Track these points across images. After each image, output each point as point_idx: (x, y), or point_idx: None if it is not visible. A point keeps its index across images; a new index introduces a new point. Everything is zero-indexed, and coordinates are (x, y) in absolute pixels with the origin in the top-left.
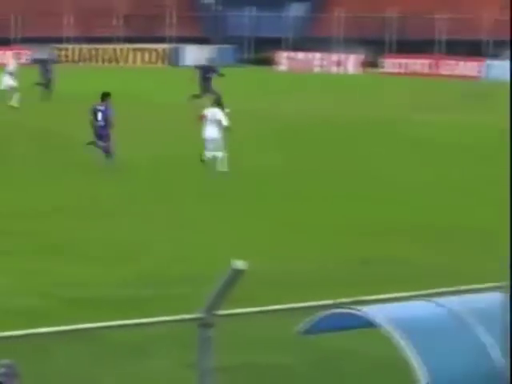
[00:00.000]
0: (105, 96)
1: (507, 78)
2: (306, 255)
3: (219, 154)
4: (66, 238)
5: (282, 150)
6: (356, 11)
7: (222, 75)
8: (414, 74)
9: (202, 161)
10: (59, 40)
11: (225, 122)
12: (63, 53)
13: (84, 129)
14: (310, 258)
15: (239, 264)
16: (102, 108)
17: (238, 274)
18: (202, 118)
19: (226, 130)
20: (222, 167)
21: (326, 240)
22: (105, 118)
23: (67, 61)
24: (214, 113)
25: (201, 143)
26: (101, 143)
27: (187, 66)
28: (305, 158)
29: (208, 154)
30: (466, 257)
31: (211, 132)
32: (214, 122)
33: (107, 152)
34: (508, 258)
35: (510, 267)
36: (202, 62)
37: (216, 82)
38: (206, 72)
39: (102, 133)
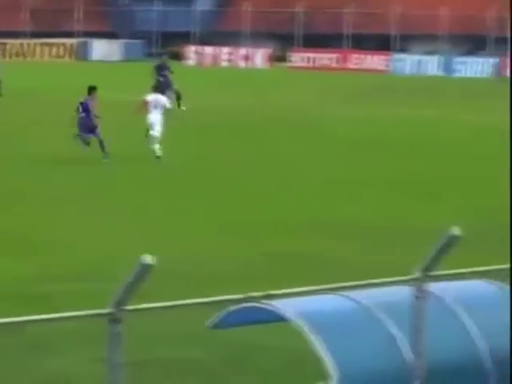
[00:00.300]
0: (91, 90)
1: (414, 72)
2: (216, 251)
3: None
4: None
5: (191, 147)
6: (263, 5)
7: (172, 72)
8: (322, 68)
9: (158, 157)
10: None
11: (168, 105)
12: None
13: None
14: (221, 254)
15: (147, 259)
16: (84, 101)
17: (146, 268)
18: (145, 105)
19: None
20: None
21: (237, 236)
22: (86, 110)
23: None
24: (157, 98)
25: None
26: (89, 135)
27: (95, 60)
28: (213, 155)
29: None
30: (377, 251)
31: (156, 117)
32: (158, 107)
33: (101, 143)
34: (508, 257)
35: (510, 263)
36: (111, 57)
37: (124, 78)
38: (160, 70)
39: (86, 124)
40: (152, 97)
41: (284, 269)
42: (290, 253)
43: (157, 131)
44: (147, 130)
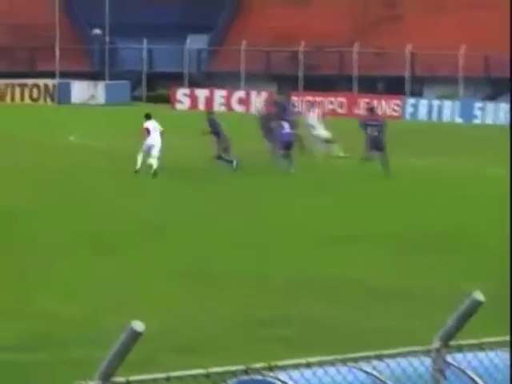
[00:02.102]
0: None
1: (429, 119)
2: (206, 314)
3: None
4: None
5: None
6: (262, 44)
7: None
8: (327, 113)
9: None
10: None
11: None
12: None
13: None
14: (211, 318)
15: (138, 325)
16: None
17: (135, 335)
18: (144, 131)
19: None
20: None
21: (221, 294)
22: None
23: None
24: (153, 124)
25: None
26: None
27: (75, 103)
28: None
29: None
30: (384, 316)
31: (154, 140)
32: (157, 131)
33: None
34: (508, 263)
35: (510, 270)
36: (92, 99)
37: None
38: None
39: None
40: (149, 123)
41: (278, 334)
42: (283, 316)
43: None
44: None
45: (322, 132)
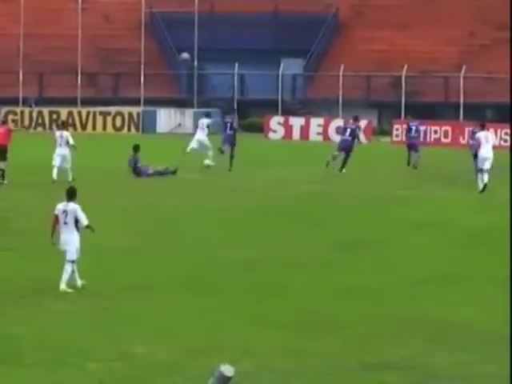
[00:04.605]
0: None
1: None
2: (301, 361)
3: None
4: None
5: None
6: (362, 68)
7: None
8: (431, 143)
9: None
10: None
11: None
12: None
13: None
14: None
15: (228, 369)
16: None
17: (225, 380)
18: None
19: None
20: None
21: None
22: None
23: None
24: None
25: None
26: None
27: (162, 132)
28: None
29: None
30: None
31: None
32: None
33: None
34: (508, 258)
35: (510, 267)
36: (180, 128)
37: None
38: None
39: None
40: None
41: (381, 379)
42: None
43: None
44: None
45: None
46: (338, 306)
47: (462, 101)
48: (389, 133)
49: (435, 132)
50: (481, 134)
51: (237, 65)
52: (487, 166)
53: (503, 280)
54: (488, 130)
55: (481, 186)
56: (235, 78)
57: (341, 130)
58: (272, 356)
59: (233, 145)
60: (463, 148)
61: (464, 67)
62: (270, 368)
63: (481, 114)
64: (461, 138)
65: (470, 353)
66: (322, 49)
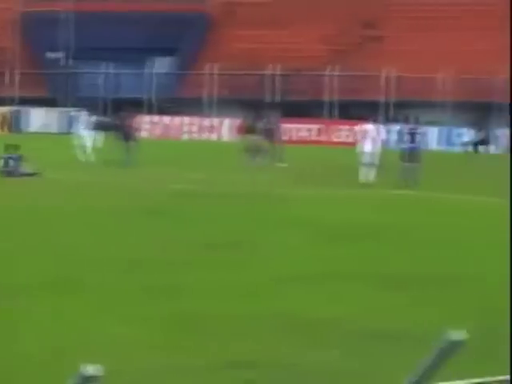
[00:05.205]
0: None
1: None
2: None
3: None
4: None
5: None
6: (231, 67)
7: None
8: (301, 141)
9: None
10: None
11: None
12: None
13: None
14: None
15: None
16: None
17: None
18: None
19: None
20: None
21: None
22: None
23: None
24: None
25: None
26: None
27: (32, 131)
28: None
29: None
30: (358, 358)
31: None
32: None
33: None
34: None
35: (509, 268)
36: (48, 127)
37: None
38: None
39: None
40: None
41: (244, 377)
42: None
43: None
44: None
45: None
46: (209, 305)
47: (332, 98)
48: (255, 131)
49: (308, 130)
50: (366, 128)
51: (107, 64)
52: (373, 160)
53: (370, 277)
54: (377, 124)
55: (363, 180)
56: (106, 77)
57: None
58: (140, 355)
59: (128, 141)
60: (335, 146)
61: (332, 65)
62: (136, 367)
63: (351, 112)
64: (333, 136)
65: (334, 350)
66: (192, 47)
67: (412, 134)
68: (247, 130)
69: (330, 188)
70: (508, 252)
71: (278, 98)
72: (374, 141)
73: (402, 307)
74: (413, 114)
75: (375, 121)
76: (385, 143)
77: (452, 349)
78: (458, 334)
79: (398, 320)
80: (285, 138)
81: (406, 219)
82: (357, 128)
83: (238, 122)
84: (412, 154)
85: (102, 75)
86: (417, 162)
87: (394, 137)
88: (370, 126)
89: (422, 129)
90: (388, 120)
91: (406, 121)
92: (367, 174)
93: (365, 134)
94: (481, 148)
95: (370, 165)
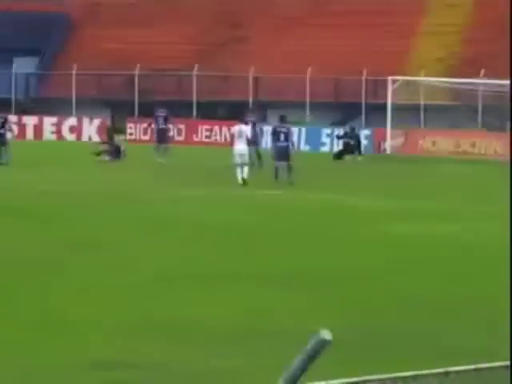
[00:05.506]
0: None
1: None
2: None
3: None
4: None
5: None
6: (95, 68)
7: None
8: None
9: None
10: None
11: None
12: None
13: None
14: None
15: (325, 333)
16: None
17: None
18: None
19: None
20: None
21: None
22: None
23: None
24: None
25: None
26: None
27: None
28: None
29: None
30: (223, 356)
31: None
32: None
33: None
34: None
35: (509, 267)
36: None
37: None
38: None
39: None
40: None
41: (115, 377)
42: (123, 362)
43: None
44: None
45: None
46: (71, 306)
47: (195, 99)
48: (123, 131)
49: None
50: (235, 129)
51: None
52: (244, 160)
53: (242, 277)
54: (248, 124)
55: (240, 180)
56: None
57: (272, 136)
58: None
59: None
60: (197, 145)
61: (197, 65)
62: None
63: (214, 112)
64: (194, 136)
65: (201, 349)
66: (55, 48)
67: (280, 133)
68: (108, 130)
69: (205, 188)
70: (508, 252)
71: (142, 99)
72: (246, 140)
73: (284, 306)
74: (276, 114)
75: (246, 121)
76: (259, 143)
77: (321, 348)
78: (326, 334)
79: (279, 319)
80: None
81: (278, 219)
82: (233, 128)
83: (101, 121)
84: (283, 153)
85: None
86: (289, 161)
87: (267, 137)
88: (243, 127)
89: (291, 128)
90: (261, 120)
91: (282, 120)
92: (242, 173)
93: (239, 134)
94: (348, 156)
95: (244, 164)
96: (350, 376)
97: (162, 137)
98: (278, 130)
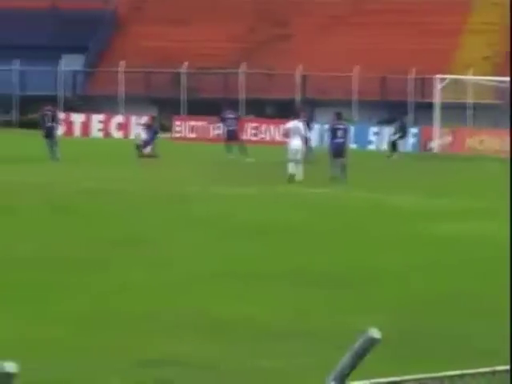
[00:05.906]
0: None
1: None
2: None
3: None
4: None
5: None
6: (142, 65)
7: None
8: (213, 139)
9: None
10: None
11: None
12: None
13: None
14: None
15: (374, 332)
16: None
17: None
18: None
19: None
20: None
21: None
22: None
23: None
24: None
25: None
26: None
27: None
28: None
29: None
30: (270, 356)
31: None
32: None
33: None
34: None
35: (509, 266)
36: None
37: None
38: None
39: None
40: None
41: (158, 375)
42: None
43: None
44: None
45: None
46: (117, 303)
47: (242, 97)
48: (169, 129)
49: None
50: (290, 125)
51: (16, 61)
52: (298, 156)
53: (284, 275)
54: (300, 121)
55: (290, 175)
56: (14, 74)
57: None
58: (53, 353)
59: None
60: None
61: (243, 63)
62: (54, 364)
63: (261, 110)
64: (241, 134)
65: (247, 348)
66: (101, 45)
67: (338, 130)
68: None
69: (254, 186)
70: (508, 252)
71: (188, 97)
72: (301, 138)
73: (320, 304)
74: (323, 113)
75: (299, 118)
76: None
77: (370, 347)
78: (375, 332)
79: (315, 318)
80: (195, 135)
81: (317, 218)
82: (286, 125)
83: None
84: (340, 149)
85: (9, 72)
86: (344, 157)
87: (315, 134)
88: (297, 123)
89: (346, 125)
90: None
91: (339, 117)
92: (295, 169)
93: (294, 130)
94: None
95: (297, 161)
96: (390, 375)
97: (233, 137)
98: (336, 126)
